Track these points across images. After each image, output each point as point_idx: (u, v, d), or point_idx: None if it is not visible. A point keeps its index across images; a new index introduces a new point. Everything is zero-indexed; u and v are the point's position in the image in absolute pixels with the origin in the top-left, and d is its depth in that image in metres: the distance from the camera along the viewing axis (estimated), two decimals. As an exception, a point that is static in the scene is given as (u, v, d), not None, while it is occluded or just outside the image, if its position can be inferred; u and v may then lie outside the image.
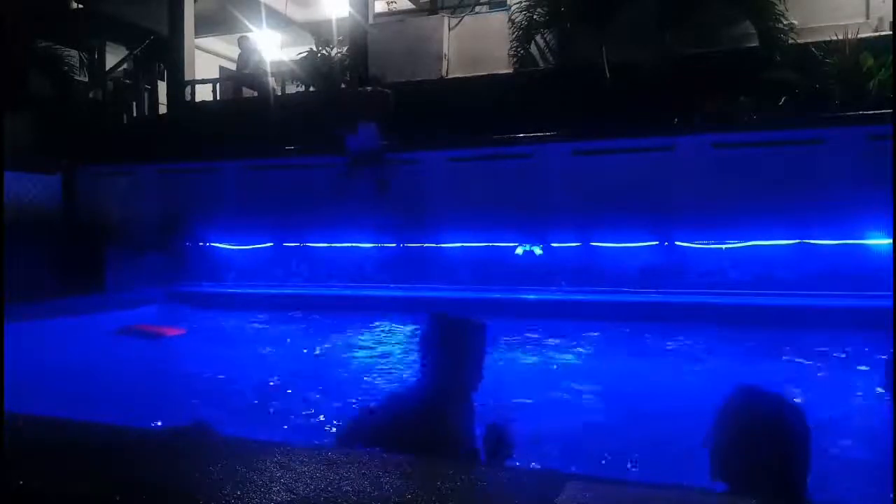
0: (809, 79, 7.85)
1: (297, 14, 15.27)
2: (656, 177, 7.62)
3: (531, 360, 5.57)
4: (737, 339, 5.71)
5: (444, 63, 10.76)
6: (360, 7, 11.50)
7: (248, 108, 11.87)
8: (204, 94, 13.46)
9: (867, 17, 8.68)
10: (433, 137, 8.58)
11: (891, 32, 7.89)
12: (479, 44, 10.64)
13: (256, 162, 9.46)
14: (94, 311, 7.02)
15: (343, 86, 10.55)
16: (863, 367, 4.90)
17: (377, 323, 6.90)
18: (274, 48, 14.51)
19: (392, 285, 8.22)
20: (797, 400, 1.93)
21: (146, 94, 13.56)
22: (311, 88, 10.86)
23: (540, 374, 5.17)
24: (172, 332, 6.76)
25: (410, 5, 14.05)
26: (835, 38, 7.91)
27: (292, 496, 1.60)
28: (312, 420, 4.20)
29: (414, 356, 2.87)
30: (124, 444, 2.14)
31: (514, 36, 9.36)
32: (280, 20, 14.82)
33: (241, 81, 13.17)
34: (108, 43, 13.96)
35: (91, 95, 13.08)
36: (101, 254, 8.57)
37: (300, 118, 9.66)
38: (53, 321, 6.40)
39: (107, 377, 4.88)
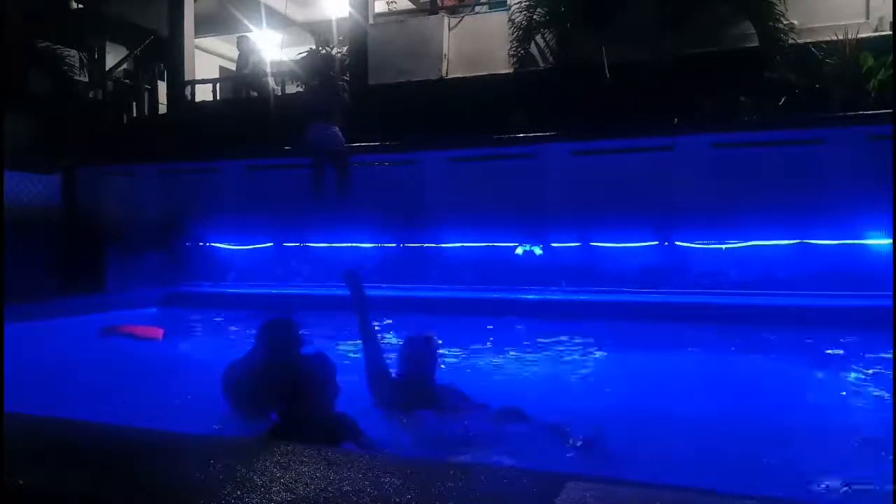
0: (809, 79, 7.85)
1: (297, 14, 15.28)
2: (656, 177, 7.61)
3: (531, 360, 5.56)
4: (736, 339, 5.70)
5: (444, 63, 10.75)
6: (360, 7, 11.49)
7: (247, 108, 11.87)
8: (204, 94, 13.46)
9: (867, 17, 8.67)
10: (433, 137, 8.57)
11: (891, 32, 7.89)
12: (479, 44, 10.63)
13: (256, 162, 9.45)
14: (90, 312, 6.96)
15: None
16: (861, 367, 4.90)
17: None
18: (274, 48, 14.50)
19: (391, 285, 8.20)
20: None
21: (146, 94, 13.57)
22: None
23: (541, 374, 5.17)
24: (153, 332, 6.65)
25: (410, 5, 14.04)
26: (835, 38, 7.91)
27: (292, 496, 1.60)
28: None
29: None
30: (124, 444, 2.14)
31: (514, 36, 9.35)
32: (280, 20, 14.82)
33: (241, 81, 13.17)
34: (108, 43, 13.95)
35: (91, 95, 13.06)
36: (100, 254, 8.56)
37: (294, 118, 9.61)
38: (48, 322, 6.35)
39: (75, 377, 4.78)
